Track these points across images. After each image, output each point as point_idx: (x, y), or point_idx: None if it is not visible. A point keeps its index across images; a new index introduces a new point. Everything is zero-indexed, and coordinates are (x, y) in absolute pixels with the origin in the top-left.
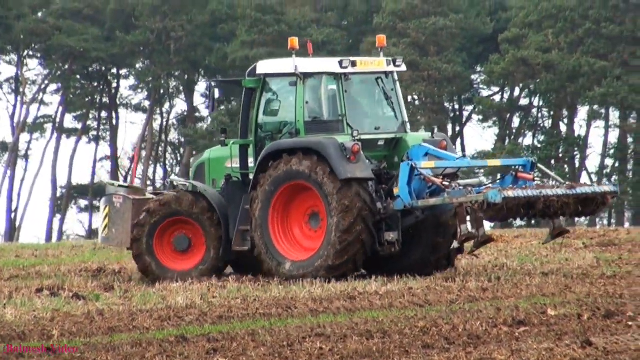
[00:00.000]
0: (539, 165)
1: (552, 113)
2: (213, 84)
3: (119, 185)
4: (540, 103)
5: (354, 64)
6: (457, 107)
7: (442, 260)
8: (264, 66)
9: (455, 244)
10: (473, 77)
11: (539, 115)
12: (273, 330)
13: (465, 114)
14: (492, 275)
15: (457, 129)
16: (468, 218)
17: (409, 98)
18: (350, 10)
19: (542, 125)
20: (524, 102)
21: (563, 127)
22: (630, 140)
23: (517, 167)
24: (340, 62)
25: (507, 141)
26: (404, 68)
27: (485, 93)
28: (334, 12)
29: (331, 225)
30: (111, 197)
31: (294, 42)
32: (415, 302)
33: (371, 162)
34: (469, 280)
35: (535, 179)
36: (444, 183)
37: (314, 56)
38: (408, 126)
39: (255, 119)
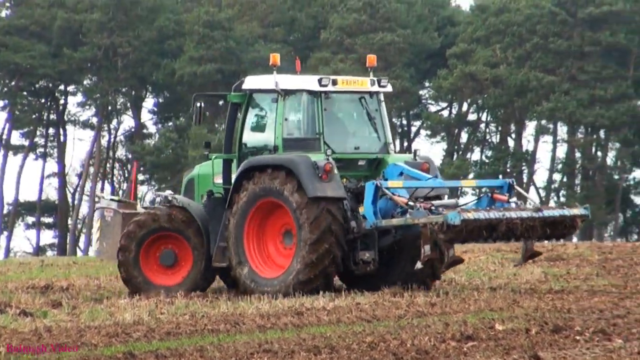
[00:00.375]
0: (516, 186)
1: (499, 128)
2: (197, 98)
3: (111, 199)
4: (488, 118)
5: (334, 82)
6: (405, 122)
7: (425, 279)
8: (250, 82)
9: (418, 265)
10: (421, 92)
11: (487, 130)
12: (221, 346)
13: (414, 129)
14: (441, 290)
15: (405, 144)
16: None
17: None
18: (297, 26)
19: (490, 140)
20: (472, 117)
21: (511, 142)
22: (578, 155)
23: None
24: (320, 80)
25: (455, 156)
26: (389, 89)
27: (433, 108)
28: (280, 28)
29: (301, 241)
30: (103, 210)
31: (275, 58)
32: (363, 317)
33: (350, 181)
34: (417, 295)
35: (511, 201)
36: (409, 203)
37: (302, 74)
38: (392, 147)
39: (239, 134)
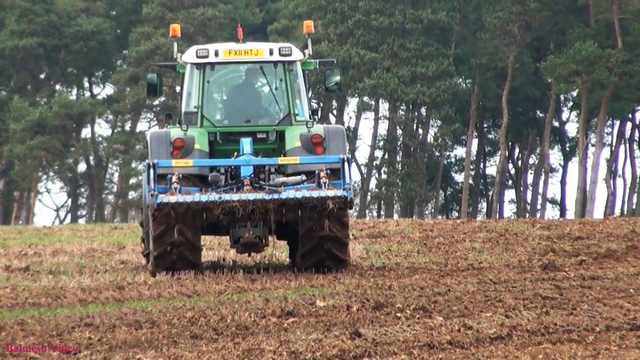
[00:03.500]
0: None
1: (321, 104)
2: (153, 69)
3: None
4: (310, 94)
5: (216, 53)
6: None
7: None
8: (187, 53)
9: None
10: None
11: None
12: (42, 319)
13: None
14: (261, 266)
15: None
16: None
17: (177, 88)
18: (119, 0)
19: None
20: None
21: (332, 119)
22: (399, 132)
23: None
24: (197, 52)
25: None
26: (295, 57)
27: None
28: (102, 2)
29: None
30: None
31: (175, 29)
32: (183, 292)
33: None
34: (237, 271)
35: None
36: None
37: (244, 41)
38: (295, 118)
39: (179, 105)
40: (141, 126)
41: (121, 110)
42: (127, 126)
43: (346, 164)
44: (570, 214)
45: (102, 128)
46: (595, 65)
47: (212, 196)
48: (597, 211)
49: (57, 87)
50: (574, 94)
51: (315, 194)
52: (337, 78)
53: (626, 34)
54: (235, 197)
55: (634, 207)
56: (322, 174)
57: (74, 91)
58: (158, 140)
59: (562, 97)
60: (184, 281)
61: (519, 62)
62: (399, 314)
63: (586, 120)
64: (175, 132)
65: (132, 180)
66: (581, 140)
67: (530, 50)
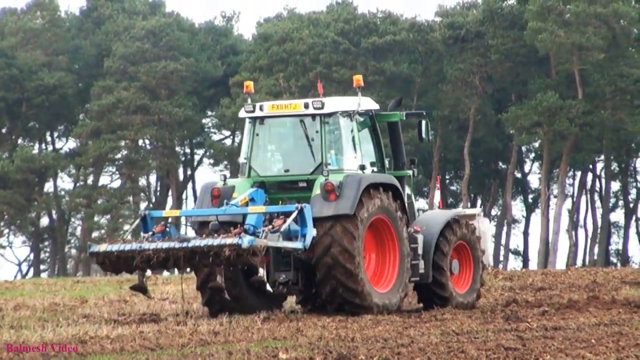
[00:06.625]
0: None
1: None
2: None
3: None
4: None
5: (261, 107)
6: (188, 150)
7: None
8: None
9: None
10: (204, 120)
11: None
12: None
13: (197, 157)
14: (224, 318)
15: (189, 172)
16: None
17: (140, 142)
18: (82, 54)
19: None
20: None
21: None
22: None
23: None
24: (245, 107)
25: None
26: (326, 110)
27: (216, 137)
28: (65, 56)
29: None
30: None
31: (249, 86)
32: (146, 345)
33: (288, 203)
34: (200, 323)
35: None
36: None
37: (324, 96)
38: (326, 168)
39: None
40: (103, 180)
41: (83, 164)
42: (90, 180)
43: (305, 212)
44: (533, 265)
45: (65, 182)
46: (556, 116)
47: (134, 245)
48: (560, 262)
49: (19, 141)
50: (536, 144)
51: (216, 242)
52: (425, 128)
53: (586, 84)
54: (152, 246)
55: (595, 257)
56: (276, 221)
57: (36, 145)
58: (204, 190)
59: (524, 148)
60: (146, 334)
61: (480, 113)
62: None
63: (548, 171)
64: (220, 182)
65: (95, 234)
66: (543, 191)
67: (492, 101)
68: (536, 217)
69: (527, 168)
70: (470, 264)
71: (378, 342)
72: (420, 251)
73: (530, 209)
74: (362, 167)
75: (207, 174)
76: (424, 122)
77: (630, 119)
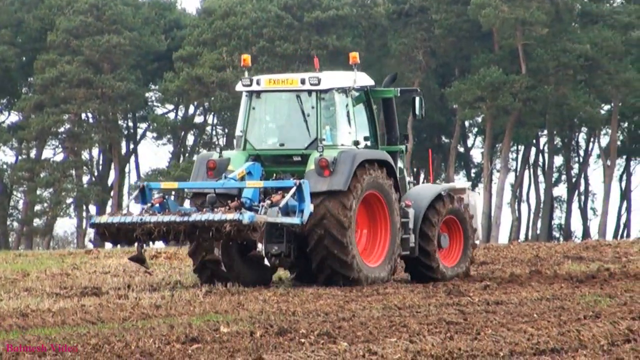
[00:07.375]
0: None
1: (226, 131)
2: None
3: None
4: (215, 121)
5: (258, 82)
6: (131, 124)
7: None
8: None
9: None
10: (147, 94)
11: (214, 133)
12: None
13: (140, 131)
14: (166, 292)
15: (132, 146)
16: None
17: (83, 115)
18: (24, 28)
19: (216, 143)
20: (198, 119)
21: None
22: None
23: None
24: (242, 81)
25: (182, 159)
26: (323, 86)
27: (159, 111)
28: (7, 30)
29: None
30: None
31: (246, 59)
32: (87, 319)
33: (282, 177)
34: (142, 297)
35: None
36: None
37: (321, 70)
38: (321, 143)
39: None
40: (46, 153)
41: (26, 138)
42: (32, 153)
43: (303, 188)
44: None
45: (7, 155)
46: (499, 91)
47: (135, 218)
48: (502, 236)
49: None
50: (479, 119)
51: (217, 217)
52: (419, 104)
53: (530, 59)
54: (153, 219)
55: (538, 232)
56: (275, 196)
57: None
58: (200, 162)
59: (467, 122)
60: (88, 308)
61: (424, 88)
62: (302, 340)
63: (491, 145)
64: (216, 154)
65: (37, 207)
66: (486, 165)
67: (436, 76)
68: (479, 191)
69: (470, 142)
70: (460, 239)
71: (319, 316)
72: (411, 225)
73: (473, 183)
74: (356, 143)
75: (150, 148)
76: (417, 99)
77: (573, 94)
